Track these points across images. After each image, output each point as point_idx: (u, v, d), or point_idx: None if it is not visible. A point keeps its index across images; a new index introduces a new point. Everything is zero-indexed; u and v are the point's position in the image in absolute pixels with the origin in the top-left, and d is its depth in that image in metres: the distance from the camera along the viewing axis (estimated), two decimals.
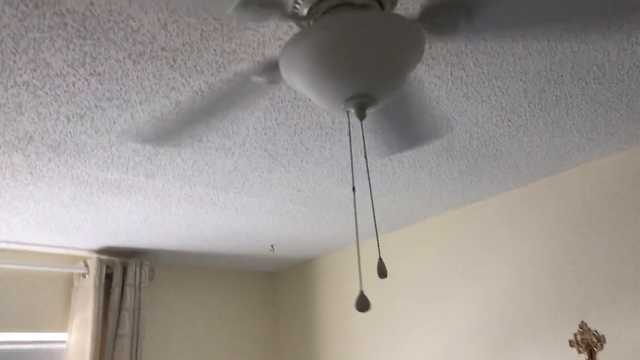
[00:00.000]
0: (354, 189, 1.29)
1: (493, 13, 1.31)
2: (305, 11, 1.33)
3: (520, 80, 2.10)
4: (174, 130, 1.82)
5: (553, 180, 3.12)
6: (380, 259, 1.20)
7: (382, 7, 1.37)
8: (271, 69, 1.46)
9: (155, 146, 2.12)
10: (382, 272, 1.19)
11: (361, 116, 1.28)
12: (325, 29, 1.22)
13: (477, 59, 1.93)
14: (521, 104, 2.29)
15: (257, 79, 1.48)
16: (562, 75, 2.09)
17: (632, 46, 1.94)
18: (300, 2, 1.32)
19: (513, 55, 1.92)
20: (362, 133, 1.46)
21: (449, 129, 2.20)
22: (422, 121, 1.89)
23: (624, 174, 2.82)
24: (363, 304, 1.20)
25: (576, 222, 2.97)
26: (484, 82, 2.10)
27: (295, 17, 1.32)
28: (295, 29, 1.58)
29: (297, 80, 1.29)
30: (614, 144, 2.76)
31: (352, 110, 1.29)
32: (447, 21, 1.33)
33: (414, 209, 3.55)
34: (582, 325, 2.81)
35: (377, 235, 1.37)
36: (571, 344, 2.84)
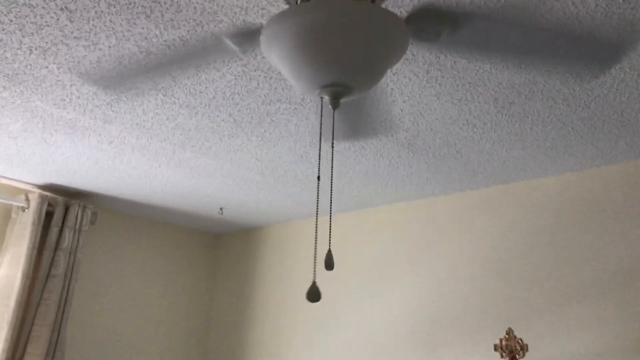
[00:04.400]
0: (318, 177, 1.28)
1: (476, 29, 1.31)
2: None
3: (493, 90, 2.12)
4: (136, 76, 1.76)
5: (506, 189, 3.19)
6: (329, 251, 1.20)
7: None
8: (246, 36, 1.42)
9: (117, 91, 2.04)
10: (329, 264, 1.20)
11: (335, 105, 1.27)
12: (313, 11, 1.19)
13: (455, 62, 1.93)
14: (489, 112, 2.31)
15: (229, 43, 1.44)
16: (533, 92, 2.12)
17: (604, 75, 1.98)
18: None
19: (490, 64, 1.94)
20: (333, 120, 1.44)
21: (397, 127, 2.23)
22: (372, 115, 1.88)
23: (574, 194, 2.90)
24: (314, 295, 1.21)
25: (521, 232, 3.05)
26: (457, 86, 2.11)
27: None
28: (282, 3, 1.54)
29: (276, 58, 1.26)
30: (570, 164, 2.83)
31: (327, 98, 1.27)
32: (432, 29, 1.32)
33: (368, 195, 3.57)
34: (509, 332, 2.91)
35: (330, 231, 1.37)
36: (495, 347, 2.94)
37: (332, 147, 1.42)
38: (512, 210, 3.13)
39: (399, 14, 1.61)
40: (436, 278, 3.35)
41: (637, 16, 1.60)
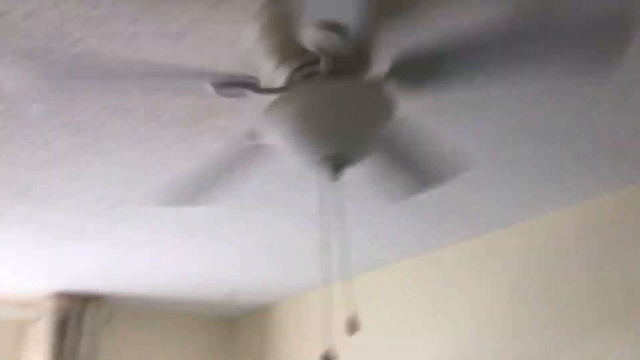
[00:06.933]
0: (323, 248, 1.36)
1: (454, 72, 1.41)
2: (283, 81, 1.43)
3: (479, 139, 2.23)
4: (184, 193, 1.89)
5: (505, 233, 3.25)
6: (353, 314, 1.25)
7: (354, 70, 1.47)
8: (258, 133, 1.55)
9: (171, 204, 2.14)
10: (352, 326, 1.25)
11: (334, 177, 1.37)
12: (299, 97, 1.33)
13: (441, 118, 2.05)
14: (478, 160, 2.41)
15: (252, 141, 1.57)
16: (517, 135, 2.22)
17: (587, 107, 2.08)
18: (277, 73, 1.42)
19: (474, 113, 2.05)
20: (335, 191, 1.53)
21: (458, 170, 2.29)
22: (430, 164, 1.93)
23: (573, 228, 2.97)
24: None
25: (527, 272, 3.09)
26: (444, 139, 2.22)
27: (269, 90, 1.41)
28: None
29: (277, 139, 1.37)
30: (564, 199, 2.92)
31: (327, 170, 1.37)
32: (414, 77, 1.41)
33: (373, 256, 3.61)
34: None
35: (348, 296, 1.42)
36: None
37: (339, 216, 1.50)
38: (515, 252, 3.18)
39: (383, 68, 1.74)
40: (452, 329, 3.36)
41: None
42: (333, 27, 1.18)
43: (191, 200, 2.02)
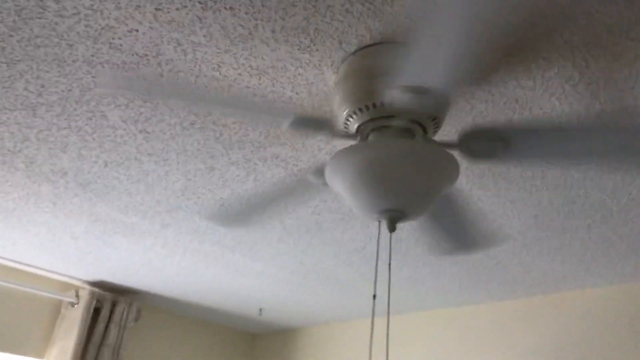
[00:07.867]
0: (374, 296, 1.39)
1: (520, 153, 1.44)
2: (354, 128, 1.48)
3: (533, 207, 2.24)
4: (235, 214, 1.98)
5: (545, 300, 3.21)
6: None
7: (424, 130, 1.51)
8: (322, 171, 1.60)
9: (219, 225, 2.27)
10: None
11: (391, 228, 1.40)
12: (369, 149, 1.36)
13: (496, 182, 2.07)
14: (529, 228, 2.41)
15: (313, 179, 1.62)
16: (572, 211, 2.22)
17: None
18: (350, 120, 1.47)
19: (531, 186, 2.06)
20: (390, 243, 1.57)
21: (498, 240, 2.32)
22: (473, 230, 1.98)
23: (613, 307, 2.92)
24: None
25: (560, 343, 3.04)
26: (498, 204, 2.23)
27: (341, 135, 1.46)
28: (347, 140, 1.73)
29: (339, 187, 1.42)
30: (609, 277, 2.87)
31: (384, 222, 1.41)
32: (483, 148, 1.44)
33: (407, 301, 3.61)
34: None
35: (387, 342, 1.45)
36: None
37: (389, 267, 1.53)
38: (551, 321, 3.13)
39: (451, 136, 1.77)
40: None
41: None
42: (421, 92, 1.23)
43: (240, 222, 2.10)
